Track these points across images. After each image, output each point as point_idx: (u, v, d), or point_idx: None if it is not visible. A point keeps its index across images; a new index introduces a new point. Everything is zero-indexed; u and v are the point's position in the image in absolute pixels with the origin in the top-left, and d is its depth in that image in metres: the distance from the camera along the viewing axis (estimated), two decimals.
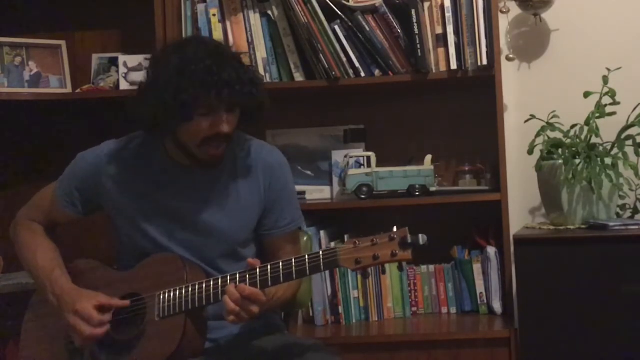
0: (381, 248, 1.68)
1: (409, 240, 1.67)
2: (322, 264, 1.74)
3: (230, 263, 1.98)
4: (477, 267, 2.76)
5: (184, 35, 2.80)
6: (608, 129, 2.60)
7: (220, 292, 1.80)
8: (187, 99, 1.78)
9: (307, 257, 1.75)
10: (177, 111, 1.80)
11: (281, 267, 1.76)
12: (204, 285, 1.82)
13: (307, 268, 1.75)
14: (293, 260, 1.76)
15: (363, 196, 2.75)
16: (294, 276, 1.76)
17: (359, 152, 2.89)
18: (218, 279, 1.82)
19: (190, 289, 1.83)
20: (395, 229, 1.70)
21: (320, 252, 1.74)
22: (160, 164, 1.97)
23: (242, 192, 1.99)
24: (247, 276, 1.78)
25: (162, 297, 1.85)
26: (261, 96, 1.90)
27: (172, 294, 1.84)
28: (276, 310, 2.11)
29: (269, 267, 1.77)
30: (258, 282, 1.77)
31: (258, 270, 1.78)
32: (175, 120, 1.83)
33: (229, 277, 1.80)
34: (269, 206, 2.02)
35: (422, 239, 1.67)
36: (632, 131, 2.58)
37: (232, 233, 1.98)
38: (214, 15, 2.79)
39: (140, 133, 2.02)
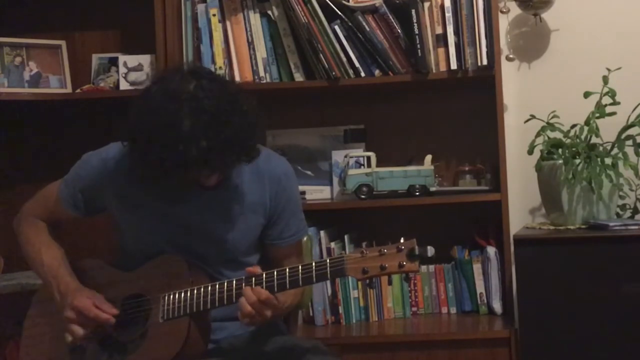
0: (388, 259, 1.67)
1: (417, 252, 1.66)
2: (329, 272, 1.73)
3: (233, 270, 1.96)
4: (477, 267, 2.76)
5: (183, 36, 2.80)
6: (608, 129, 2.60)
7: (226, 296, 1.79)
8: (156, 171, 1.74)
9: (314, 264, 1.74)
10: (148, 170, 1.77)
11: (287, 274, 1.76)
12: (209, 288, 1.82)
13: (314, 276, 1.73)
14: (300, 267, 1.75)
15: (363, 196, 2.75)
16: (300, 283, 1.76)
17: (359, 152, 2.89)
18: (223, 283, 1.81)
19: (195, 292, 1.82)
20: (402, 239, 1.69)
21: (327, 261, 1.73)
22: None
23: (246, 201, 1.96)
24: (254, 281, 1.78)
25: (166, 299, 1.85)
26: (238, 153, 1.76)
27: (176, 296, 1.83)
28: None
29: (275, 273, 1.77)
30: (264, 287, 1.76)
31: (264, 276, 1.77)
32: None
33: (234, 282, 1.80)
34: (274, 217, 2.00)
35: (430, 251, 1.66)
36: (632, 131, 2.58)
37: (235, 241, 1.97)
38: (214, 15, 2.79)
39: None
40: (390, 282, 1.81)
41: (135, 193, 1.94)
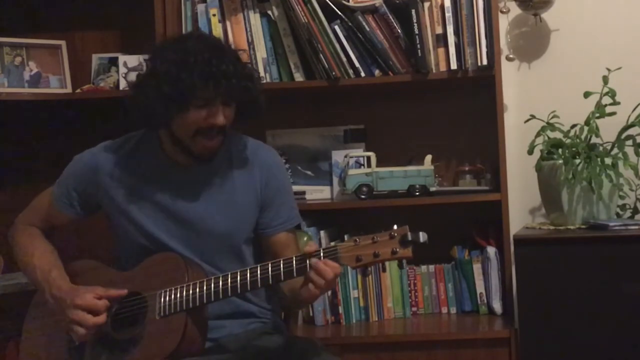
0: (381, 246, 1.69)
1: (409, 238, 1.67)
2: None
3: (229, 261, 1.98)
4: (477, 267, 2.76)
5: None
6: (608, 129, 2.60)
7: (221, 290, 1.80)
8: (185, 89, 1.81)
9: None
10: (173, 100, 1.82)
11: (282, 265, 1.77)
12: (205, 284, 1.83)
13: (308, 265, 1.74)
14: (294, 258, 1.76)
15: (363, 196, 2.75)
16: (295, 274, 1.76)
17: (359, 152, 2.89)
18: (219, 278, 1.83)
19: (191, 288, 1.83)
20: (395, 226, 1.70)
21: (321, 250, 1.75)
22: (157, 162, 1.98)
23: (238, 190, 1.99)
24: (248, 274, 1.78)
25: (162, 295, 1.86)
26: (257, 91, 1.94)
27: (172, 293, 1.85)
28: (276, 310, 2.11)
29: (269, 265, 1.78)
30: (259, 280, 1.78)
31: (259, 268, 1.78)
32: (171, 110, 1.85)
33: (229, 276, 1.81)
34: (265, 204, 2.03)
35: (422, 236, 1.67)
36: (632, 131, 2.58)
37: (229, 230, 1.99)
38: (214, 15, 2.79)
39: (136, 133, 2.05)
40: (384, 269, 1.82)
41: (128, 184, 1.97)
